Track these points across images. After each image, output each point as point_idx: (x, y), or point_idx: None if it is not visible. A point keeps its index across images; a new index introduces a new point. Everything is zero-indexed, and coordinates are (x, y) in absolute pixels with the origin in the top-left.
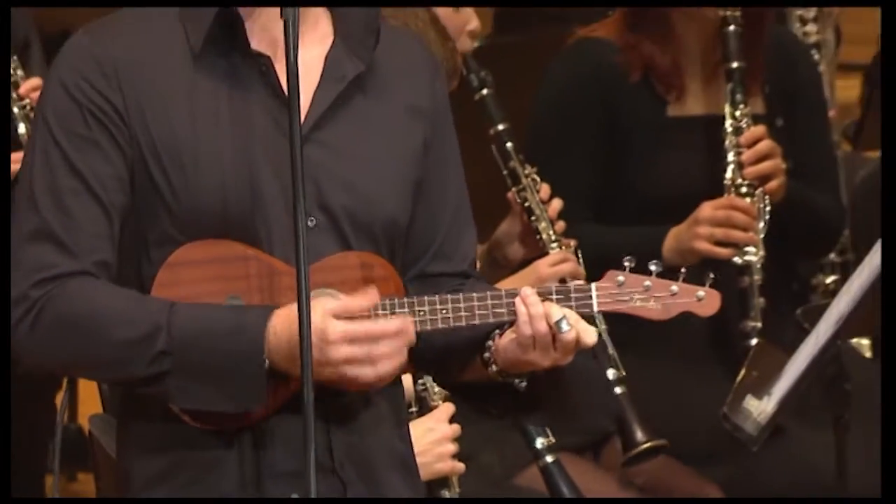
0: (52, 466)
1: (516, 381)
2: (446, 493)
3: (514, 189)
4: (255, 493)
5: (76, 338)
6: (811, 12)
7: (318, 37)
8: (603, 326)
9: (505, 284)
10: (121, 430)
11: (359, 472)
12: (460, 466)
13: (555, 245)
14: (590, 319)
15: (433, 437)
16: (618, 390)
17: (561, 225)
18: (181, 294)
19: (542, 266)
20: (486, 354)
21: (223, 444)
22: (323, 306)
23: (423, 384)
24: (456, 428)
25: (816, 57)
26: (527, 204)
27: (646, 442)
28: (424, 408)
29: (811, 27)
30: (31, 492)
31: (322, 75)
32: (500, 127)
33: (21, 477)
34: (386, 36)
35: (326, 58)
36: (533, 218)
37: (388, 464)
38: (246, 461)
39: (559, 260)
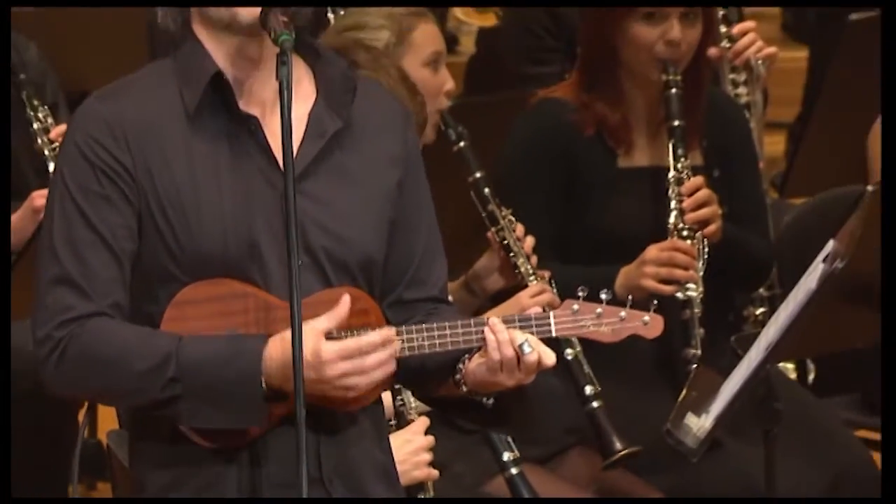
0: (72, 476)
1: (484, 399)
2: (422, 496)
3: (493, 229)
4: (247, 479)
5: (97, 371)
6: (742, 76)
7: (301, 95)
8: (578, 348)
9: (492, 314)
10: (133, 446)
11: (345, 482)
12: (435, 473)
13: (532, 278)
14: (568, 342)
15: (411, 448)
16: (595, 404)
17: (535, 259)
18: (187, 329)
19: (524, 297)
20: (458, 376)
21: (224, 460)
22: (313, 327)
23: (402, 400)
24: (431, 439)
25: (747, 115)
26: (505, 242)
27: (623, 450)
28: (402, 422)
29: (742, 89)
30: (56, 484)
31: (305, 132)
32: (478, 175)
33: (46, 485)
34: (361, 91)
35: (310, 115)
36: (511, 254)
37: (372, 474)
38: (244, 475)
39: (538, 291)
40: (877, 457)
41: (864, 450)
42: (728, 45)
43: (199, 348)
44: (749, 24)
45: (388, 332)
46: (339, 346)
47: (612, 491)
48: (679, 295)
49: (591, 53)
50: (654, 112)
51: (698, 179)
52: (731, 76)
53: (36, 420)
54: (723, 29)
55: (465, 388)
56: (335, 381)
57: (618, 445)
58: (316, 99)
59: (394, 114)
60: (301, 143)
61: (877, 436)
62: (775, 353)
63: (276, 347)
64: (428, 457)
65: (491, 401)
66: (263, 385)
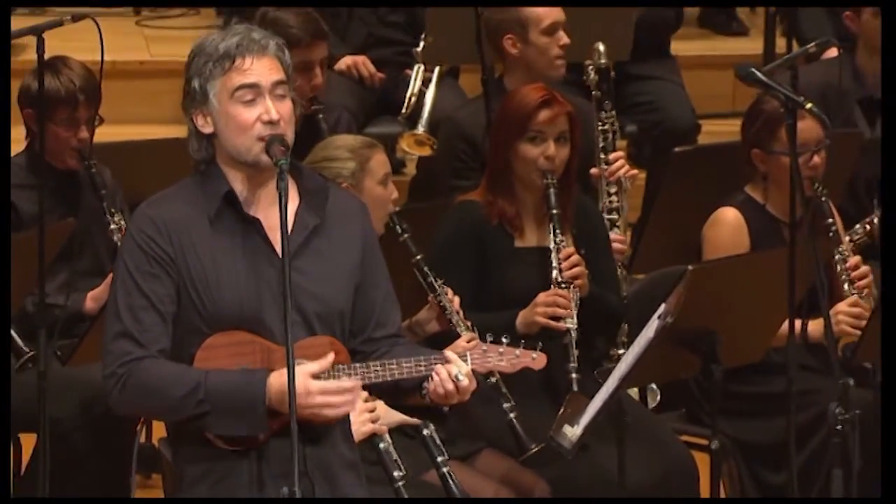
0: (132, 470)
1: (444, 408)
2: (381, 444)
3: (431, 295)
4: (259, 490)
5: (148, 397)
6: (613, 188)
7: (289, 200)
8: (497, 376)
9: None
10: (174, 448)
11: (323, 474)
12: (382, 428)
13: (462, 327)
14: (487, 373)
15: (355, 414)
16: (512, 415)
17: (461, 313)
18: (211, 365)
19: (462, 342)
20: (423, 392)
21: (238, 457)
22: (303, 370)
23: None
24: (369, 404)
25: (617, 216)
26: (441, 303)
27: (535, 448)
28: None
29: (614, 198)
30: (120, 488)
31: (293, 226)
32: (418, 257)
33: (115, 477)
34: (331, 195)
35: (296, 214)
36: (446, 312)
37: (342, 468)
38: (252, 468)
39: (470, 338)
40: (697, 455)
41: (686, 450)
42: (605, 167)
43: (220, 379)
44: (619, 153)
45: (356, 382)
46: (321, 385)
47: (514, 482)
48: (561, 325)
49: (494, 167)
50: (538, 207)
51: (571, 248)
52: (606, 188)
53: (107, 432)
54: (602, 156)
55: (428, 401)
56: (314, 408)
57: (531, 445)
58: (299, 202)
59: (354, 209)
60: (291, 234)
61: (696, 440)
62: (625, 382)
63: (276, 380)
64: (369, 415)
65: (447, 408)
66: (266, 405)
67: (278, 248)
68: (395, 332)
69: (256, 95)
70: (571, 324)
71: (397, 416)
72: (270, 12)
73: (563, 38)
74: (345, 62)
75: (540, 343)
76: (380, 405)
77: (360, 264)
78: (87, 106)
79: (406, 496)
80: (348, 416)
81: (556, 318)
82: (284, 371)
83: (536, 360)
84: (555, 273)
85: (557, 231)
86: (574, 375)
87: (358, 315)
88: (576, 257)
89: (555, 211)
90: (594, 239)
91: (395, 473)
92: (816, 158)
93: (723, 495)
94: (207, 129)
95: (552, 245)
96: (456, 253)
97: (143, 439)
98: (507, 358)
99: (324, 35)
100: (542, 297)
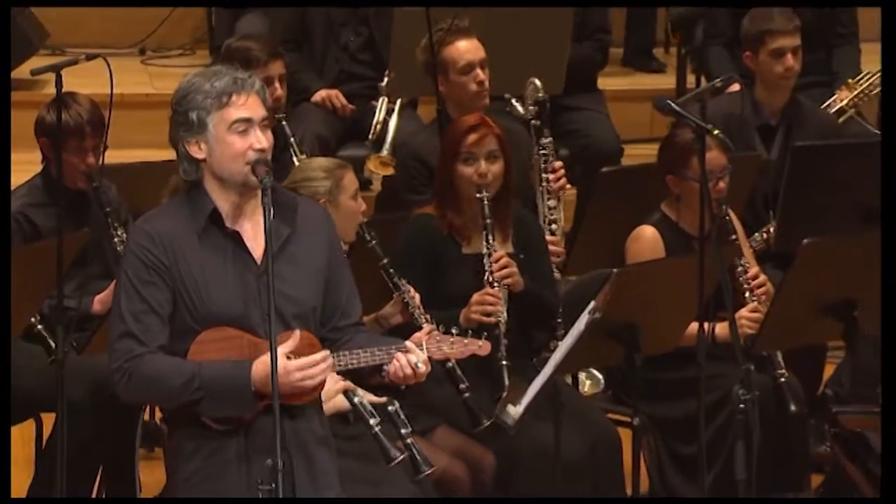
0: (137, 445)
1: (402, 386)
2: (355, 398)
3: (396, 293)
4: (245, 462)
5: (150, 388)
6: (553, 201)
7: (261, 212)
8: (454, 362)
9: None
10: (172, 427)
11: (298, 449)
12: (349, 384)
13: (422, 320)
14: (445, 359)
15: (329, 379)
16: (467, 395)
17: (422, 309)
18: (203, 358)
19: (420, 334)
20: (384, 373)
21: (228, 435)
22: (280, 352)
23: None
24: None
25: (555, 226)
26: (405, 300)
27: (489, 422)
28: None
29: (553, 211)
30: (128, 460)
31: (267, 238)
32: (385, 260)
33: (120, 451)
34: (301, 207)
35: (266, 227)
36: (409, 307)
37: (316, 442)
38: (240, 444)
39: (429, 330)
40: (621, 430)
41: (612, 426)
42: (543, 185)
43: (212, 368)
44: (559, 163)
45: (325, 353)
46: (297, 363)
47: (465, 454)
48: (492, 319)
49: (440, 185)
50: (480, 217)
51: (501, 252)
52: (547, 202)
53: (115, 411)
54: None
55: (388, 381)
56: (294, 382)
57: (484, 420)
58: (273, 215)
59: (319, 218)
60: (267, 242)
61: (620, 417)
62: (560, 369)
63: (259, 367)
64: (339, 377)
65: (405, 387)
66: (252, 390)
67: (256, 257)
68: (358, 322)
69: (249, 127)
70: (501, 318)
71: (367, 396)
72: (234, 42)
73: (480, 76)
74: (320, 95)
75: (485, 333)
76: (349, 384)
77: (328, 265)
78: (94, 135)
79: (384, 439)
80: (319, 398)
81: (488, 314)
82: (266, 358)
83: (482, 347)
84: (487, 275)
85: (490, 238)
86: (504, 363)
87: (326, 307)
88: (505, 260)
89: (488, 220)
90: (532, 245)
91: (371, 421)
92: (721, 183)
93: (642, 465)
94: (200, 155)
95: (485, 250)
96: (412, 258)
97: (146, 417)
98: (458, 346)
99: (279, 54)
100: (475, 297)
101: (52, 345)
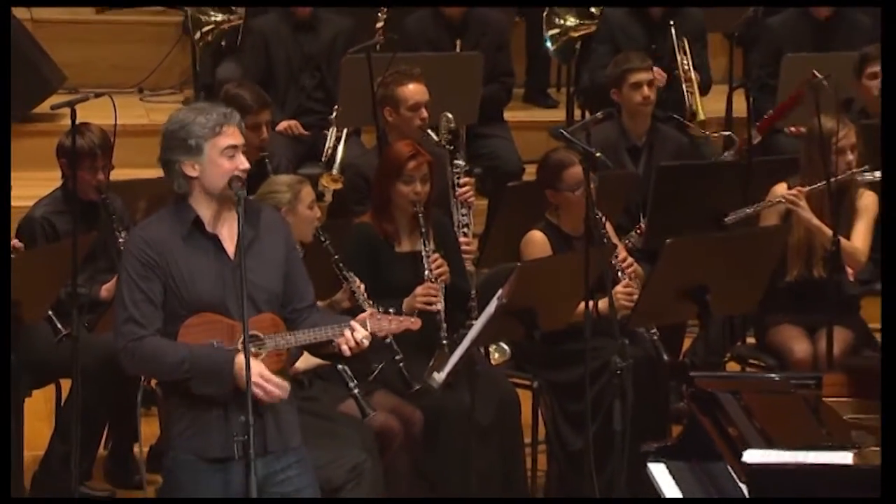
0: (138, 404)
1: (347, 354)
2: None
3: (345, 283)
4: (224, 420)
5: (149, 365)
6: (464, 210)
7: (235, 220)
8: (390, 338)
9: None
10: (165, 394)
11: (267, 407)
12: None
13: (365, 304)
14: (384, 336)
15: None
16: (401, 364)
17: (365, 296)
18: (190, 340)
19: (366, 315)
20: (334, 345)
21: (213, 401)
22: (258, 363)
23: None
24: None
25: (466, 231)
26: (352, 289)
27: (418, 387)
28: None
29: (465, 217)
30: (131, 416)
31: (238, 238)
32: (336, 257)
33: (124, 410)
34: (263, 213)
35: (239, 233)
36: (356, 295)
37: (282, 404)
38: (222, 409)
39: (371, 312)
40: (522, 392)
41: (514, 389)
42: (455, 199)
43: (200, 354)
44: (466, 179)
45: (286, 385)
46: (262, 374)
47: (399, 412)
48: (432, 308)
49: (378, 200)
50: (410, 225)
51: (437, 255)
52: (460, 210)
53: (120, 378)
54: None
55: (337, 351)
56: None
57: (415, 385)
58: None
59: (278, 222)
60: (238, 242)
61: (522, 382)
62: (475, 343)
63: (239, 360)
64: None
65: (348, 353)
66: (231, 376)
67: (230, 254)
68: (312, 304)
69: (235, 152)
70: (440, 307)
71: (317, 360)
72: (231, 89)
73: (423, 113)
74: (283, 125)
75: (416, 312)
76: (305, 355)
77: (286, 259)
78: (103, 157)
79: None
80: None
81: (430, 304)
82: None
83: (414, 322)
84: (427, 272)
85: (427, 242)
86: (445, 341)
87: (287, 293)
88: (441, 260)
89: (423, 229)
90: (448, 244)
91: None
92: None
93: (540, 420)
94: (194, 174)
95: (423, 253)
96: (357, 257)
97: (145, 383)
98: (395, 323)
99: (268, 104)
100: (419, 289)
101: (59, 326)
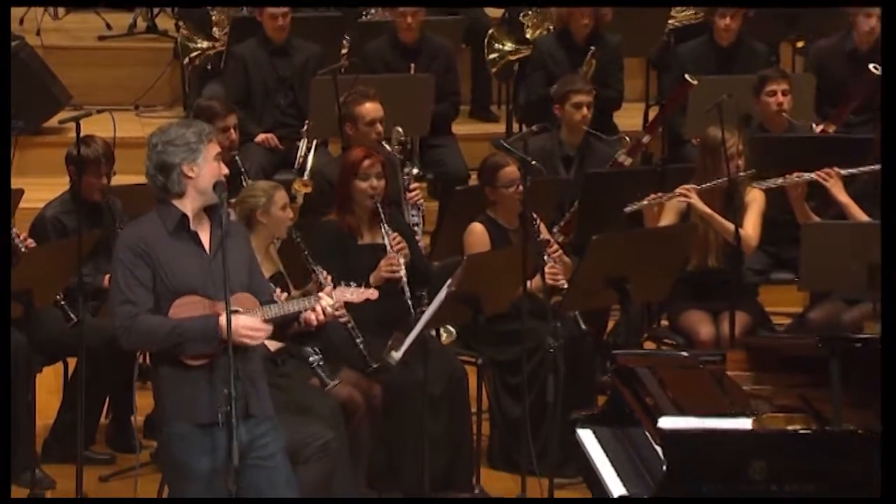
0: (134, 378)
1: (312, 328)
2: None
3: (314, 274)
4: (209, 392)
5: (145, 337)
6: (414, 211)
7: (208, 223)
8: (351, 323)
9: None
10: (156, 363)
11: (248, 380)
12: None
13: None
14: (347, 320)
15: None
16: (359, 341)
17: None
18: (178, 316)
19: (329, 289)
20: (300, 321)
21: (200, 368)
22: (236, 315)
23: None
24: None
25: (418, 228)
26: (319, 280)
27: (375, 365)
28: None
29: (416, 218)
30: (128, 389)
31: (212, 236)
32: (306, 252)
33: (124, 383)
34: (228, 220)
35: (211, 229)
36: (323, 284)
37: (258, 377)
38: (206, 379)
39: (333, 287)
40: (469, 368)
41: (462, 365)
42: (406, 201)
43: (187, 322)
44: (415, 184)
45: (269, 327)
46: (248, 323)
47: (361, 386)
48: (395, 276)
49: (341, 198)
50: (370, 220)
51: (395, 233)
52: (411, 210)
53: (120, 356)
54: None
55: (304, 326)
56: (241, 334)
57: (374, 364)
58: (212, 223)
59: (240, 230)
60: (212, 240)
61: (469, 358)
62: (427, 326)
63: (222, 319)
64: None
65: (312, 329)
66: (218, 331)
67: (207, 249)
68: (270, 298)
69: (220, 159)
70: (402, 274)
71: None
72: (202, 102)
73: (379, 128)
74: (260, 137)
75: (383, 281)
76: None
77: (248, 258)
78: (106, 164)
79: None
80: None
81: (393, 271)
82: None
83: (371, 293)
84: (388, 248)
85: (386, 226)
86: (410, 302)
87: (252, 289)
88: (399, 237)
89: (383, 216)
90: (403, 232)
91: (311, 359)
92: (520, 188)
93: (484, 393)
94: (192, 174)
95: (385, 235)
96: (326, 251)
97: (141, 360)
98: (356, 293)
99: (233, 110)
100: (383, 262)
101: (71, 314)
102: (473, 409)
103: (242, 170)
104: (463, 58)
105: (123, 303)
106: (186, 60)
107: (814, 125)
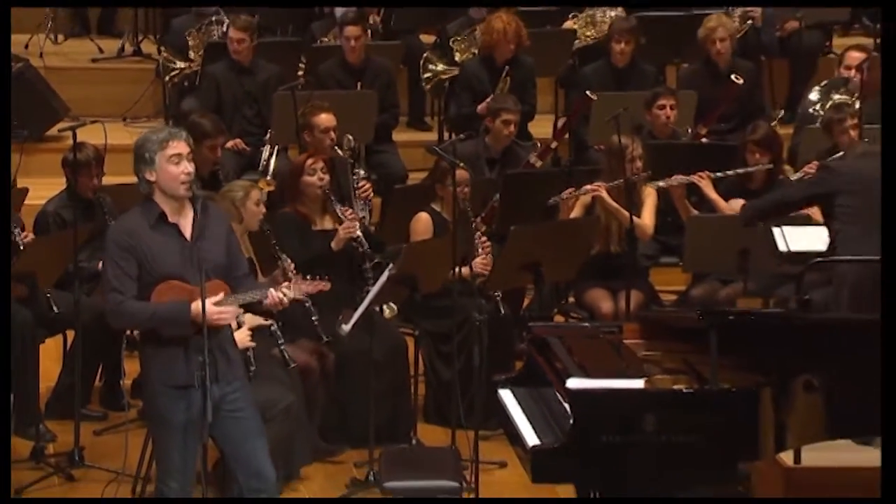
0: (122, 348)
1: (274, 310)
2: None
3: (280, 263)
4: (186, 360)
5: (129, 320)
6: (362, 203)
7: (190, 212)
8: (309, 302)
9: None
10: (142, 340)
11: (218, 349)
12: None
13: (293, 277)
14: (305, 298)
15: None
16: (314, 319)
17: (294, 270)
18: (159, 300)
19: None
20: (263, 303)
21: (180, 341)
22: (210, 300)
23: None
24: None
25: (366, 221)
26: (283, 266)
27: (327, 338)
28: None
29: (364, 212)
30: (117, 357)
31: (194, 225)
32: (274, 241)
33: (113, 352)
34: (209, 207)
35: (193, 219)
36: (286, 271)
37: (228, 344)
38: (183, 348)
39: (294, 281)
40: (409, 339)
41: (402, 336)
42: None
43: (164, 307)
44: (364, 183)
45: (236, 309)
46: (216, 308)
47: (317, 353)
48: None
49: (293, 191)
50: (322, 208)
51: (349, 209)
52: (360, 204)
53: (109, 331)
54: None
55: (267, 307)
56: (212, 317)
57: (324, 337)
58: (194, 213)
59: (220, 215)
60: (193, 228)
61: (408, 331)
62: (372, 303)
63: (194, 307)
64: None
65: (276, 310)
66: (189, 318)
67: (187, 237)
68: (247, 272)
69: (180, 160)
70: (358, 232)
71: (257, 320)
72: (195, 118)
73: (332, 135)
74: (230, 143)
75: (327, 276)
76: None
77: (226, 239)
78: (97, 167)
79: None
80: (230, 327)
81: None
82: (199, 303)
83: (325, 284)
84: (342, 217)
85: (338, 206)
86: (370, 276)
87: (229, 265)
88: (350, 209)
89: (332, 198)
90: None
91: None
92: (466, 189)
93: (420, 359)
94: (152, 178)
95: (337, 210)
96: (285, 237)
97: (128, 333)
98: (311, 285)
99: (223, 131)
100: (341, 227)
101: (53, 307)
102: (411, 373)
103: (221, 179)
104: (401, 77)
105: (111, 291)
106: (167, 78)
107: (689, 129)
